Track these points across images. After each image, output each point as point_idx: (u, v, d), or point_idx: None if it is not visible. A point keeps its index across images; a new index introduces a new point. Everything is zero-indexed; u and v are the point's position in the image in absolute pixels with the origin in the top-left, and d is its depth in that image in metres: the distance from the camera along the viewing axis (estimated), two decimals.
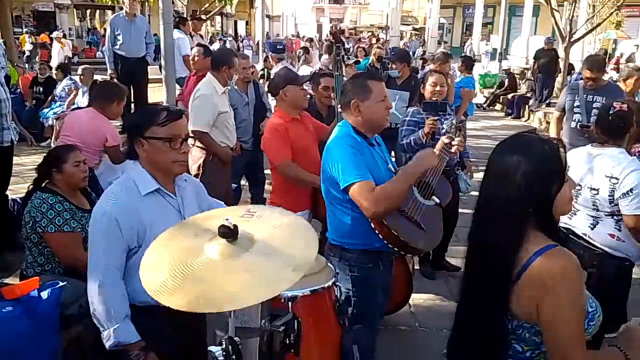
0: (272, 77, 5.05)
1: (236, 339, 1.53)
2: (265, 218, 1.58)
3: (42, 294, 2.76)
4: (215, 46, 18.20)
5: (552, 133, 5.55)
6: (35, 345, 2.70)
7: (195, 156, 4.67)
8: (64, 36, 20.42)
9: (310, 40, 14.93)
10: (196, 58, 6.21)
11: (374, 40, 20.26)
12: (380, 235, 2.58)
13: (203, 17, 15.49)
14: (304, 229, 1.55)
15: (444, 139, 3.08)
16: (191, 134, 4.56)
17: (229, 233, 1.39)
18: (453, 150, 3.16)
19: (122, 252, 2.13)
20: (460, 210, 4.79)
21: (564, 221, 3.12)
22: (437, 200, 2.83)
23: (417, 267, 4.70)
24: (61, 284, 2.84)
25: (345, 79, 4.20)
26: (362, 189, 2.48)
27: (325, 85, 4.84)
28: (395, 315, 4.03)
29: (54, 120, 8.93)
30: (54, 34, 18.17)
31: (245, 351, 1.94)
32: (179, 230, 1.64)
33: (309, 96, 5.06)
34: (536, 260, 1.58)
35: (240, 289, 1.32)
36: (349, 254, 2.70)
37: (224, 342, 1.51)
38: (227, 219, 1.39)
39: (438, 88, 4.57)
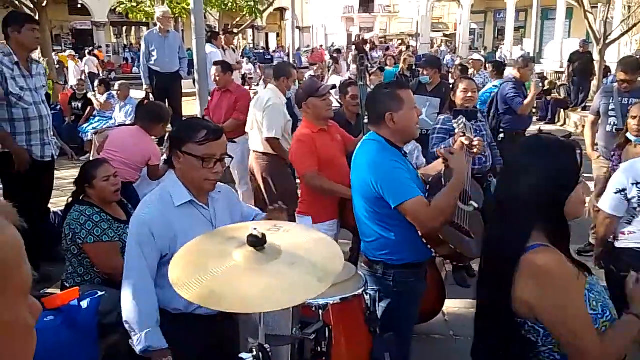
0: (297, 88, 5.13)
1: (266, 346, 1.56)
2: (292, 233, 1.62)
3: (82, 303, 2.86)
4: (245, 65, 18.51)
5: (587, 137, 5.47)
6: (76, 354, 2.78)
7: (261, 164, 4.96)
8: (89, 52, 20.80)
9: (338, 51, 14.96)
10: (217, 77, 6.29)
11: (403, 48, 20.14)
12: (432, 249, 2.60)
13: (235, 30, 15.73)
14: (330, 243, 1.58)
15: (462, 140, 2.96)
16: (265, 140, 4.87)
17: (257, 241, 1.43)
18: (474, 150, 3.01)
19: (155, 260, 2.19)
20: None
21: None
22: (476, 205, 2.82)
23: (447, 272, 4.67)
24: (100, 293, 2.93)
25: (371, 87, 4.22)
26: (417, 206, 2.49)
27: (353, 94, 4.87)
28: (429, 324, 4.00)
29: (93, 135, 9.19)
30: (67, 52, 18.48)
31: (277, 359, 1.98)
32: (209, 237, 1.70)
33: (338, 105, 5.12)
34: (522, 258, 1.60)
35: (263, 292, 1.36)
36: (392, 269, 2.69)
37: (254, 349, 1.55)
38: (255, 229, 1.43)
39: (470, 94, 4.55)
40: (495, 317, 1.69)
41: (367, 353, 2.41)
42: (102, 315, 3.09)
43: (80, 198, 3.44)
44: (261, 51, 29.58)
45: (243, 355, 1.57)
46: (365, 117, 3.13)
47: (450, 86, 5.90)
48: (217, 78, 6.31)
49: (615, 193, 3.06)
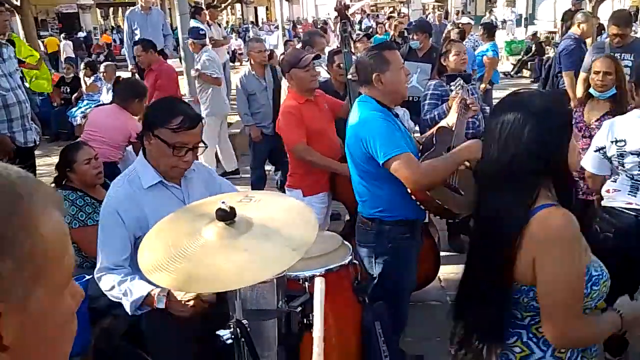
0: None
1: (244, 321, 1.51)
2: (265, 202, 1.56)
3: None
4: (233, 41, 18.27)
5: (578, 93, 5.37)
6: None
7: None
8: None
9: (325, 22, 14.76)
10: (140, 57, 6.09)
11: (395, 15, 19.87)
12: (421, 205, 2.63)
13: (220, 5, 15.46)
14: (303, 210, 1.53)
15: (458, 101, 3.01)
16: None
17: (225, 215, 1.37)
18: (471, 110, 3.04)
19: (126, 241, 2.14)
20: None
21: (626, 201, 2.96)
22: (467, 164, 2.80)
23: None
24: (87, 277, 2.89)
25: (357, 55, 4.12)
26: (405, 161, 2.51)
27: (339, 63, 4.77)
28: (425, 290, 3.99)
29: (82, 119, 9.09)
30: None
31: (264, 333, 1.95)
32: (179, 215, 1.64)
33: (327, 76, 5.02)
34: (532, 219, 1.52)
35: (237, 268, 1.31)
36: (387, 225, 2.74)
37: (232, 325, 1.50)
38: (223, 202, 1.37)
39: (463, 57, 4.46)
40: (491, 283, 1.61)
41: (357, 322, 2.39)
42: (92, 300, 3.05)
43: (63, 183, 3.38)
44: (246, 26, 29.25)
45: (221, 332, 1.53)
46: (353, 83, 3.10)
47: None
48: (140, 58, 6.15)
49: (595, 151, 3.00)
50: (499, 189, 1.60)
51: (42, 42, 20.25)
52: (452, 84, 3.30)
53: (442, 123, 3.06)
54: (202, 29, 7.57)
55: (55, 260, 0.68)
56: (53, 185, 3.44)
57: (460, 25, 9.55)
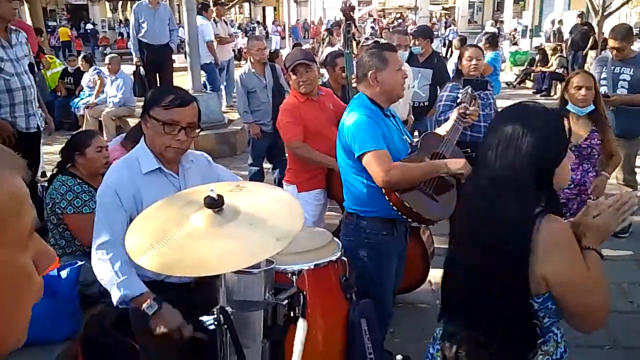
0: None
1: (228, 308, 1.54)
2: (254, 192, 1.59)
3: (61, 273, 2.85)
4: (239, 40, 18.26)
5: None
6: (56, 323, 2.78)
7: None
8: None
9: (337, 24, 14.77)
10: None
11: (401, 21, 19.93)
12: (391, 205, 2.62)
13: (227, 3, 15.54)
14: (291, 202, 1.56)
15: (458, 109, 3.04)
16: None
17: (213, 203, 1.40)
18: (466, 119, 3.07)
19: (123, 221, 2.14)
20: None
21: None
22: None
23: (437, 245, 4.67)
24: (80, 263, 2.92)
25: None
26: (376, 158, 2.55)
27: (342, 67, 4.80)
28: (416, 293, 4.01)
29: (85, 110, 9.14)
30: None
31: (249, 324, 1.97)
32: (169, 201, 1.67)
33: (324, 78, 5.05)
34: (538, 227, 1.54)
35: (220, 254, 1.33)
36: (364, 221, 2.78)
37: (215, 312, 1.53)
38: (211, 190, 1.40)
39: (474, 62, 4.50)
40: (507, 301, 1.60)
41: (343, 318, 2.41)
42: (85, 286, 3.09)
43: (67, 167, 3.40)
44: (253, 25, 29.34)
45: (204, 318, 1.56)
46: (353, 85, 3.13)
47: (444, 57, 5.81)
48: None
49: None
50: (501, 197, 1.60)
51: (49, 31, 20.33)
52: (461, 90, 3.33)
53: (441, 129, 3.08)
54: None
55: (5, 221, 0.69)
56: (56, 170, 3.48)
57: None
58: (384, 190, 2.60)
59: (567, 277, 1.54)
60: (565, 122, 1.63)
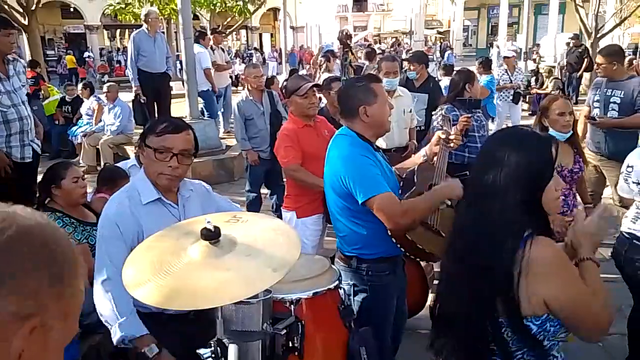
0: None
1: (225, 340, 1.53)
2: (251, 223, 1.60)
3: None
4: (237, 66, 18.44)
5: (579, 129, 5.42)
6: None
7: None
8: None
9: (332, 52, 14.89)
10: None
11: (397, 46, 20.16)
12: (400, 246, 2.58)
13: (226, 31, 15.71)
14: (288, 232, 1.56)
15: (439, 134, 2.92)
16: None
17: (210, 235, 1.41)
18: (451, 144, 2.94)
19: (124, 252, 2.13)
20: None
21: (628, 226, 3.13)
22: (448, 202, 2.74)
23: (436, 269, 4.65)
24: None
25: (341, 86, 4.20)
26: (386, 202, 2.46)
27: (337, 91, 4.84)
28: (415, 318, 3.97)
29: (82, 138, 9.16)
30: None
31: (248, 355, 1.96)
32: (167, 233, 1.67)
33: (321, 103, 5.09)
34: (527, 249, 1.55)
35: (217, 286, 1.33)
36: (365, 263, 2.70)
37: (212, 344, 1.52)
38: (208, 222, 1.41)
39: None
40: (489, 319, 1.62)
41: (343, 347, 2.38)
42: (83, 316, 3.05)
43: (46, 202, 3.38)
44: (250, 52, 29.70)
45: (201, 350, 1.55)
46: None
47: (438, 82, 5.88)
48: None
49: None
50: (485, 214, 1.64)
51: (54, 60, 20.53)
52: (433, 113, 3.28)
53: (421, 152, 3.01)
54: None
55: (78, 295, 0.77)
56: (35, 206, 3.45)
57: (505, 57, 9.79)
58: (390, 233, 2.54)
59: (566, 299, 1.55)
60: (554, 148, 1.66)
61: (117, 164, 4.21)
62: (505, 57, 9.92)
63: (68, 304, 0.75)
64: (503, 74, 9.38)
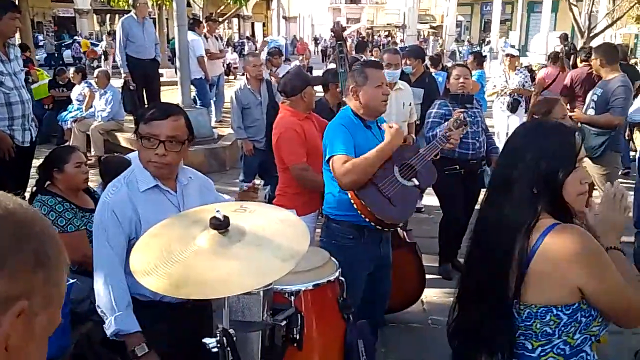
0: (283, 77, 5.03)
1: (231, 331, 1.52)
2: (258, 213, 1.58)
3: None
4: (229, 55, 18.30)
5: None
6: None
7: None
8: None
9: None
10: None
11: (390, 39, 20.14)
12: (354, 205, 2.76)
13: (218, 19, 15.58)
14: (296, 223, 1.54)
15: (447, 126, 3.19)
16: None
17: (219, 224, 1.39)
18: (449, 143, 3.19)
19: (123, 243, 2.12)
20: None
21: None
22: (416, 183, 2.94)
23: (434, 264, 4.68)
24: (71, 281, 2.87)
25: None
26: (337, 161, 2.72)
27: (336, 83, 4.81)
28: (407, 312, 4.00)
29: (72, 124, 9.04)
30: None
31: (247, 345, 1.95)
32: (174, 221, 1.65)
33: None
34: (543, 242, 1.54)
35: (226, 276, 1.32)
36: (334, 223, 2.96)
37: (218, 334, 1.51)
38: (217, 211, 1.39)
39: (462, 80, 4.56)
40: (494, 308, 1.62)
41: (340, 339, 2.39)
42: (75, 304, 3.03)
43: (45, 186, 3.34)
44: (242, 41, 29.62)
45: (207, 340, 1.53)
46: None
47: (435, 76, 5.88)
48: None
49: None
50: (501, 203, 1.65)
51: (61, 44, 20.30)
52: (458, 110, 3.45)
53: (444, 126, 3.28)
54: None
55: (61, 284, 0.78)
56: (35, 188, 3.41)
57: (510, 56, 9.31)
58: (349, 194, 2.74)
59: (600, 282, 1.53)
60: (576, 138, 1.65)
61: (127, 156, 4.16)
62: (510, 56, 8.27)
63: (52, 292, 0.75)
64: (500, 76, 7.99)
